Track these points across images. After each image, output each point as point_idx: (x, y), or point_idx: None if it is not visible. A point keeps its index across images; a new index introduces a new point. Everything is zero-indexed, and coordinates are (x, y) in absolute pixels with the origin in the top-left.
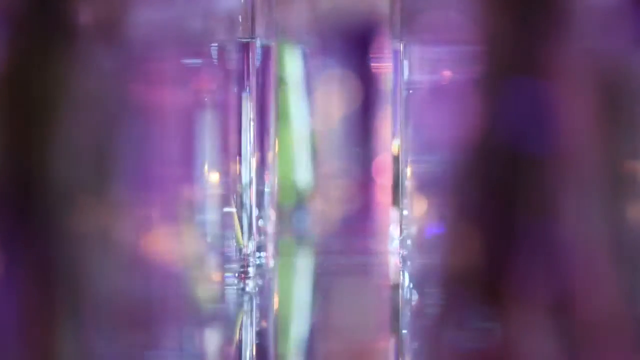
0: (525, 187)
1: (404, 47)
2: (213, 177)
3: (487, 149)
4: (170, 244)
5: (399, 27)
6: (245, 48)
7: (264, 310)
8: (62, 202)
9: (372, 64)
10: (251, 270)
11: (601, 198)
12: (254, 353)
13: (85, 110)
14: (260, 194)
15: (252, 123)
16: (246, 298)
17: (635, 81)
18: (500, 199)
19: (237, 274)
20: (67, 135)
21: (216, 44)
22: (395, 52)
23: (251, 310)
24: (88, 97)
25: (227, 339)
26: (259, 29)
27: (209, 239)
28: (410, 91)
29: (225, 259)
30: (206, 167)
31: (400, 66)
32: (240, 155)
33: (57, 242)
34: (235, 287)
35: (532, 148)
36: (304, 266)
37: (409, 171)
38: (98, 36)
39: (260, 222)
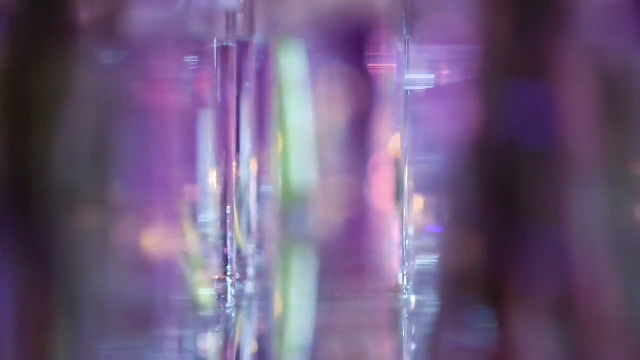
0: (526, 187)
1: (406, 46)
2: (212, 178)
3: (488, 148)
4: (170, 245)
5: (402, 26)
6: (243, 47)
7: (263, 312)
8: (61, 203)
9: (373, 63)
10: (250, 272)
11: (603, 197)
12: (254, 355)
13: (85, 109)
14: (260, 195)
15: (251, 122)
16: (245, 299)
17: (637, 79)
18: (501, 199)
19: (236, 275)
20: (66, 134)
21: (215, 43)
22: (398, 52)
23: (250, 312)
24: (87, 96)
25: (227, 341)
26: (258, 28)
27: (208, 240)
28: (411, 91)
29: (225, 260)
30: (205, 167)
31: (402, 66)
32: (239, 155)
33: (56, 243)
34: (234, 288)
35: (533, 147)
36: (303, 267)
37: (409, 171)
38: (98, 35)
39: (260, 223)
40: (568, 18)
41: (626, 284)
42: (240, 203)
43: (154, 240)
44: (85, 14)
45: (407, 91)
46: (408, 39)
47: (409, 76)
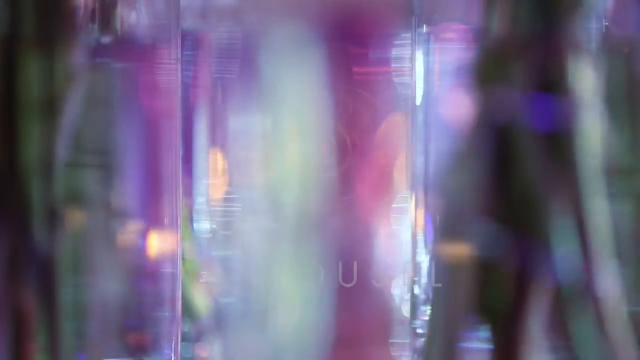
0: (529, 186)
1: (410, 44)
2: (209, 183)
3: (491, 144)
4: (167, 250)
5: (404, 23)
6: (232, 42)
7: (262, 319)
8: (57, 206)
9: (374, 62)
10: (248, 278)
11: (606, 194)
12: None
13: (82, 109)
14: (256, 203)
15: (240, 122)
16: (243, 306)
17: None
18: (502, 200)
19: (235, 282)
20: (61, 135)
21: (209, 40)
22: (401, 49)
23: (249, 318)
24: (85, 95)
25: (224, 348)
26: (252, 23)
27: (206, 246)
28: (413, 90)
29: (222, 267)
30: (202, 171)
31: (406, 63)
32: (233, 158)
33: (53, 244)
34: (234, 297)
35: (537, 147)
36: (302, 278)
37: (409, 171)
38: (94, 32)
39: (259, 230)
40: (577, 5)
41: (628, 280)
42: (238, 213)
43: (151, 245)
44: (81, 11)
45: (409, 89)
46: (412, 36)
47: (412, 76)
